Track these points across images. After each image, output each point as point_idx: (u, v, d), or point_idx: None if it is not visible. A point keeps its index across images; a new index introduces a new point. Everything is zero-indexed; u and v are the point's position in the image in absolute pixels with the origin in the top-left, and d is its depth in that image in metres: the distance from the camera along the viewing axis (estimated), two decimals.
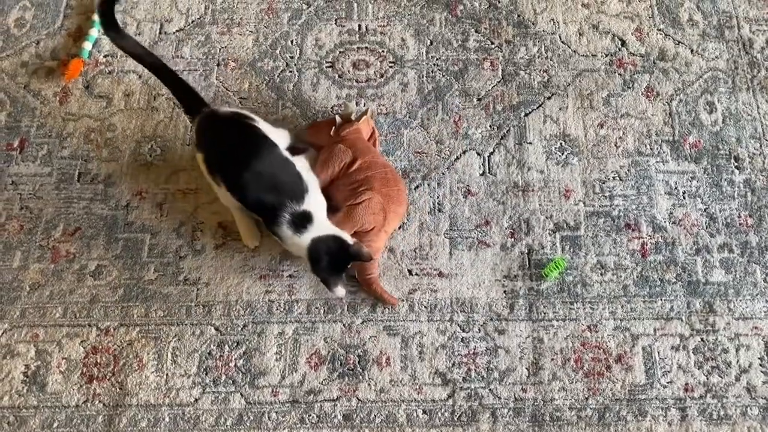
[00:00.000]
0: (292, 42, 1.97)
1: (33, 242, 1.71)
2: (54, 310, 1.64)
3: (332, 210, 1.61)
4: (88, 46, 1.93)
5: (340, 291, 1.56)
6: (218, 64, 1.93)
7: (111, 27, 1.66)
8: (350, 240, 1.53)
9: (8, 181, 1.78)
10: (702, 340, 1.63)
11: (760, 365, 1.60)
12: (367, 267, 1.61)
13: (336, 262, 1.51)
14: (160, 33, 1.97)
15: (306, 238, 1.51)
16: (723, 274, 1.69)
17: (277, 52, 1.95)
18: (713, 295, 1.67)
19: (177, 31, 1.98)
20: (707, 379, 1.59)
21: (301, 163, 1.62)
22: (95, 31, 1.95)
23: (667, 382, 1.58)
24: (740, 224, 1.75)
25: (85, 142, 1.83)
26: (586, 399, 1.56)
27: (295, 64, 1.94)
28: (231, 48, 1.95)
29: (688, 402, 1.56)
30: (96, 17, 1.94)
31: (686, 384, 1.58)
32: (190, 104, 1.66)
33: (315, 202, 1.56)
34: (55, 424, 1.53)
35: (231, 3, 2.02)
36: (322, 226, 1.54)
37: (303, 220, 1.52)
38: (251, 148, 1.56)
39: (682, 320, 1.64)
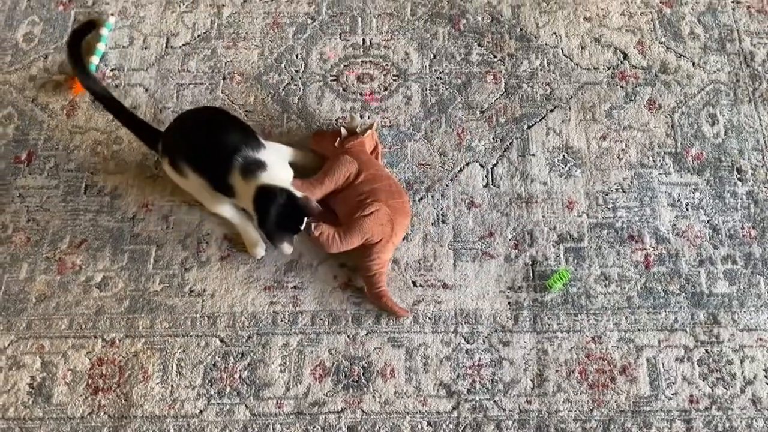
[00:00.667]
0: (297, 56, 1.99)
1: (39, 254, 1.72)
2: (60, 322, 1.65)
3: (334, 221, 1.63)
4: (95, 60, 1.95)
5: (287, 248, 1.57)
6: (224, 78, 1.95)
7: (79, 65, 1.80)
8: (299, 194, 1.55)
9: (15, 194, 1.79)
10: (706, 351, 1.63)
11: (765, 377, 1.60)
12: (375, 281, 1.61)
13: (285, 215, 1.52)
14: (166, 47, 1.99)
15: (253, 184, 1.53)
16: (727, 286, 1.70)
17: (283, 65, 1.97)
18: (717, 306, 1.67)
19: (183, 45, 2.00)
20: (712, 390, 1.59)
21: (272, 146, 1.67)
22: (102, 46, 1.97)
23: (672, 394, 1.58)
24: (743, 236, 1.75)
25: (92, 155, 1.84)
26: (591, 411, 1.56)
27: (300, 78, 1.96)
28: (237, 62, 1.98)
29: (693, 414, 1.56)
30: (103, 32, 1.97)
31: (691, 396, 1.58)
32: (150, 138, 1.73)
33: (272, 158, 1.59)
34: None
35: (237, 18, 2.05)
36: (275, 178, 1.55)
37: (255, 166, 1.54)
38: (207, 114, 1.68)
39: (686, 332, 1.64)
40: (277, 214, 1.52)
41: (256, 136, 1.64)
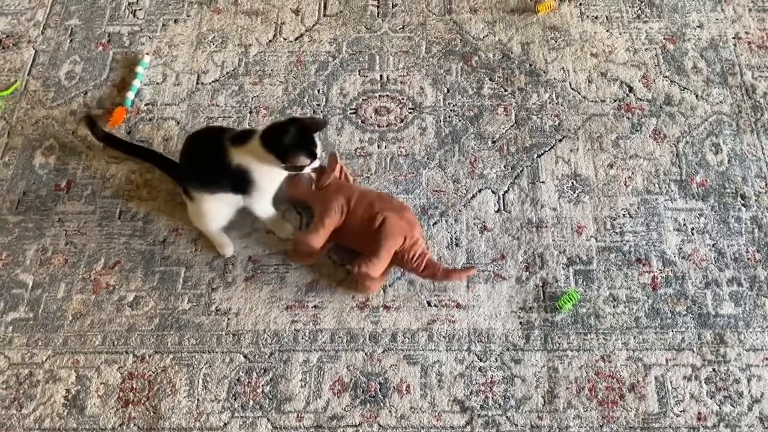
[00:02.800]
0: (318, 91, 2.12)
1: (76, 275, 1.83)
2: (94, 338, 1.74)
3: (368, 254, 1.69)
4: (131, 95, 2.09)
5: (303, 160, 1.64)
6: (250, 112, 2.08)
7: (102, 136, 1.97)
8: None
9: (55, 219, 1.91)
10: (714, 370, 1.67)
11: None
12: (432, 270, 1.70)
13: (299, 137, 1.62)
14: (197, 83, 2.13)
15: (255, 138, 1.64)
16: (733, 307, 1.75)
17: (305, 100, 2.10)
18: (724, 327, 1.72)
19: (213, 81, 2.14)
20: (720, 408, 1.62)
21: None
22: (138, 83, 2.11)
23: (680, 411, 1.62)
24: (748, 259, 1.81)
25: (126, 183, 1.96)
26: (601, 427, 1.61)
27: (321, 111, 2.08)
28: (262, 97, 2.11)
29: (701, 431, 1.60)
30: (139, 69, 2.12)
31: (699, 413, 1.62)
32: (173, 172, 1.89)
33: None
34: None
35: (263, 56, 2.19)
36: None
37: (245, 134, 1.66)
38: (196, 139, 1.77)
39: (693, 351, 1.69)
40: (293, 136, 1.62)
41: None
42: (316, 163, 1.69)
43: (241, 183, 1.67)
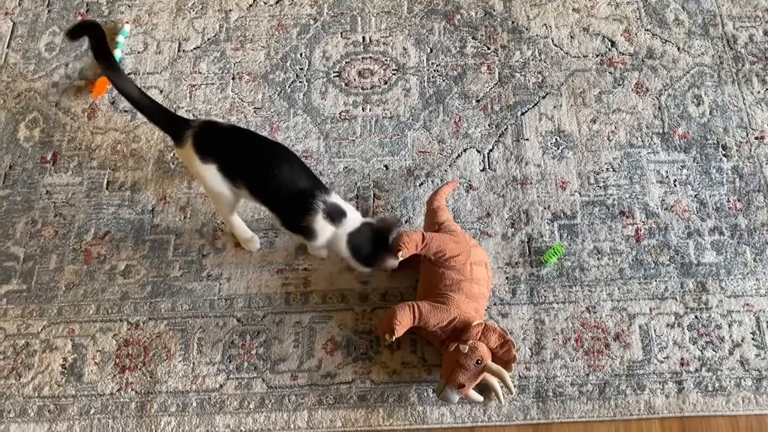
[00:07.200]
0: (301, 55, 2.11)
1: (67, 246, 1.84)
2: (88, 307, 1.76)
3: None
4: None
5: (393, 263, 1.64)
6: (233, 78, 2.07)
7: (110, 67, 1.71)
8: (371, 219, 1.66)
9: (43, 192, 1.92)
10: (696, 317, 1.71)
11: (752, 339, 1.69)
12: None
13: (377, 242, 1.62)
14: (178, 51, 2.12)
15: (342, 231, 1.62)
16: (714, 256, 1.78)
17: (288, 64, 2.09)
18: (705, 275, 1.76)
19: (194, 48, 2.13)
20: (702, 353, 1.67)
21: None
22: (119, 52, 2.10)
23: (664, 358, 1.67)
24: (729, 208, 1.84)
25: (112, 153, 1.97)
26: (587, 375, 1.66)
27: (304, 75, 2.07)
28: (245, 62, 2.10)
29: (684, 375, 1.65)
30: (119, 39, 2.11)
31: (682, 359, 1.67)
32: (176, 128, 1.65)
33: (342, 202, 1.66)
34: (92, 411, 1.65)
35: (243, 21, 2.17)
36: (354, 221, 1.64)
37: (338, 213, 1.62)
38: (273, 150, 1.65)
39: (676, 299, 1.73)
40: (373, 245, 1.63)
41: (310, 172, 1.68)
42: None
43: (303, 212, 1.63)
